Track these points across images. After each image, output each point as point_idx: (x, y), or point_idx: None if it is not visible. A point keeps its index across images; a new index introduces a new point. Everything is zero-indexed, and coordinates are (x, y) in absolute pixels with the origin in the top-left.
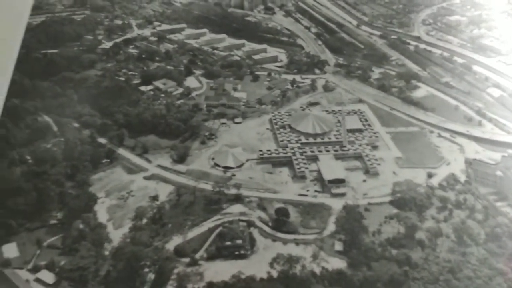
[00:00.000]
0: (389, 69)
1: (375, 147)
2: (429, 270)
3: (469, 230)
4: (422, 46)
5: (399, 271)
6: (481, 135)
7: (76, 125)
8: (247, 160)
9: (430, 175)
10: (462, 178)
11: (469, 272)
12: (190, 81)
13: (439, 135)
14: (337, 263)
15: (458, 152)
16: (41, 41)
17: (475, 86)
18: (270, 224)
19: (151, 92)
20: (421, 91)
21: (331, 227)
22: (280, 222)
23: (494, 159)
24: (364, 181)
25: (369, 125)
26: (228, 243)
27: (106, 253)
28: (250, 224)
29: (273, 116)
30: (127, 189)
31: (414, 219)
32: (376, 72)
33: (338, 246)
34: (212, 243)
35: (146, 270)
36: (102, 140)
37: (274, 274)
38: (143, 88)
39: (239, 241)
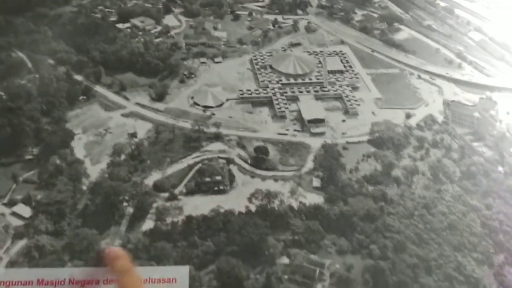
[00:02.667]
0: (371, 11)
1: (355, 88)
2: (404, 206)
3: (444, 168)
4: None
5: (375, 206)
6: (460, 77)
7: (51, 61)
8: (227, 100)
9: (408, 116)
10: (440, 118)
11: (444, 208)
12: (169, 19)
13: (419, 77)
14: (314, 199)
15: (437, 93)
16: None
17: (456, 30)
18: (249, 161)
19: (129, 30)
20: (403, 34)
21: (309, 164)
22: (259, 159)
23: (472, 101)
24: (343, 121)
25: (350, 66)
26: (208, 179)
27: (84, 187)
28: (230, 161)
29: (254, 56)
30: (105, 126)
31: (391, 157)
32: (358, 14)
33: (316, 183)
34: (192, 179)
35: (125, 204)
36: (78, 77)
37: (253, 208)
38: (120, 25)
39: (218, 177)
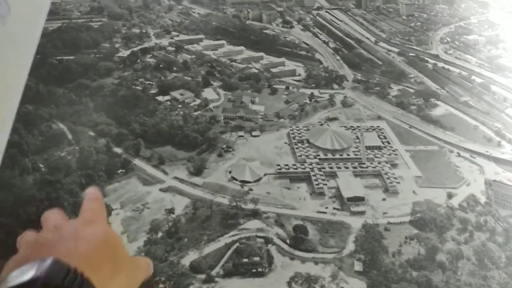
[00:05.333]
0: (407, 87)
1: (394, 165)
2: None
3: (490, 253)
4: (441, 64)
5: None
6: (500, 156)
7: (91, 133)
8: (265, 175)
9: (450, 196)
10: (482, 199)
11: None
12: (208, 93)
13: (459, 155)
14: (356, 284)
15: (478, 172)
16: (57, 47)
17: (494, 106)
18: (288, 241)
19: (168, 103)
20: (440, 110)
21: (350, 246)
22: (299, 239)
23: None
24: (384, 199)
25: (388, 142)
26: (245, 260)
27: None
28: (268, 240)
29: (291, 130)
30: (143, 201)
31: (435, 240)
32: (394, 89)
33: (358, 266)
34: (229, 259)
35: (161, 286)
36: (118, 150)
37: None
38: (160, 98)
39: (257, 258)
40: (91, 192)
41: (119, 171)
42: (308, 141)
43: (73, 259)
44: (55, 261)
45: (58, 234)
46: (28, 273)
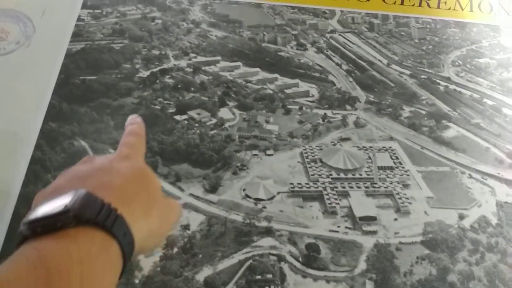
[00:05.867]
0: (419, 108)
1: (406, 186)
2: None
3: (501, 274)
4: (452, 87)
5: None
6: None
7: (111, 151)
8: (278, 193)
9: (461, 217)
10: (494, 221)
11: None
12: (224, 112)
13: (470, 176)
14: None
15: (489, 194)
16: (80, 67)
17: (505, 129)
18: (300, 259)
19: (186, 122)
20: (452, 131)
21: (362, 265)
22: (311, 257)
23: None
24: (396, 219)
25: (400, 163)
26: (259, 276)
27: (136, 281)
28: (281, 258)
29: (304, 149)
30: None
31: (446, 261)
32: (406, 111)
33: (369, 285)
34: (242, 276)
35: None
36: None
37: None
38: (178, 117)
39: (270, 276)
40: (134, 124)
41: None
42: (321, 161)
43: (107, 194)
44: (89, 193)
45: (92, 166)
46: (59, 203)
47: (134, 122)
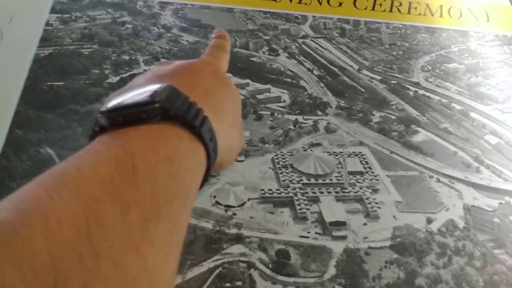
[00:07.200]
0: (389, 113)
1: (375, 190)
2: None
3: (468, 277)
4: (421, 92)
5: None
6: (479, 181)
7: None
8: (249, 199)
9: (429, 220)
10: (461, 224)
11: None
12: None
13: (438, 180)
14: None
15: (457, 198)
16: (48, 73)
17: (473, 133)
18: (270, 266)
19: None
20: (420, 136)
21: (331, 270)
22: (281, 264)
23: (491, 206)
24: (365, 224)
25: (369, 168)
26: (228, 284)
27: None
28: (250, 265)
29: (276, 155)
30: None
31: (414, 264)
32: (376, 116)
33: None
34: (211, 284)
35: None
36: None
37: None
38: None
39: (239, 283)
40: (219, 37)
41: None
42: (292, 166)
43: (192, 94)
44: (176, 89)
45: (173, 66)
46: (145, 94)
47: (220, 35)
